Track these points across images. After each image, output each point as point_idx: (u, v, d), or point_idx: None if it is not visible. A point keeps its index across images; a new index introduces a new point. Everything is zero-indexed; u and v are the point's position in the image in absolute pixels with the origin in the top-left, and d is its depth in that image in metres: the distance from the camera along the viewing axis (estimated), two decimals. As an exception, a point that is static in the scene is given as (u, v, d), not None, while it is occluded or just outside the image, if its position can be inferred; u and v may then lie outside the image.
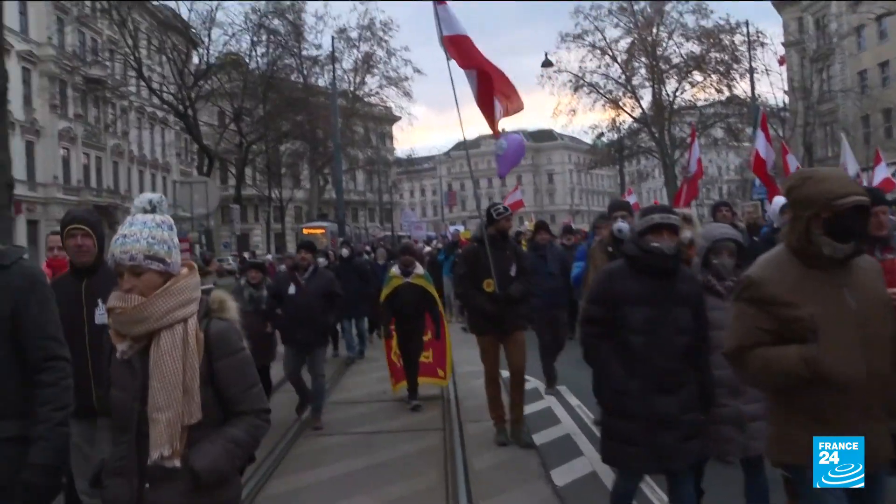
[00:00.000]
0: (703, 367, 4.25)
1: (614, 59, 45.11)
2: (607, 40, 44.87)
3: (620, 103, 45.82)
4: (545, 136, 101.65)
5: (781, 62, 42.86)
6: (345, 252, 13.75)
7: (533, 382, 9.34)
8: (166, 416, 2.59)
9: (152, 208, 2.79)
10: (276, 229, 48.95)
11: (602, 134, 47.84)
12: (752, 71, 36.83)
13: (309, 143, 45.18)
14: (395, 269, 9.50)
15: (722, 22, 42.44)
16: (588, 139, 51.53)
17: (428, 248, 21.66)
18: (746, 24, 38.49)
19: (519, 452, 7.11)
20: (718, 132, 47.40)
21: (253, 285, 9.15)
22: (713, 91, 43.89)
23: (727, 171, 72.70)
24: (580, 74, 44.86)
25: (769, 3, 50.55)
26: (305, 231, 41.24)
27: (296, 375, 8.67)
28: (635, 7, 44.23)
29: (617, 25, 44.80)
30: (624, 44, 45.03)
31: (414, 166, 73.43)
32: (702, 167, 16.55)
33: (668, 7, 43.62)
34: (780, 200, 8.73)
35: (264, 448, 7.42)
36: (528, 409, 7.97)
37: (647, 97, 45.92)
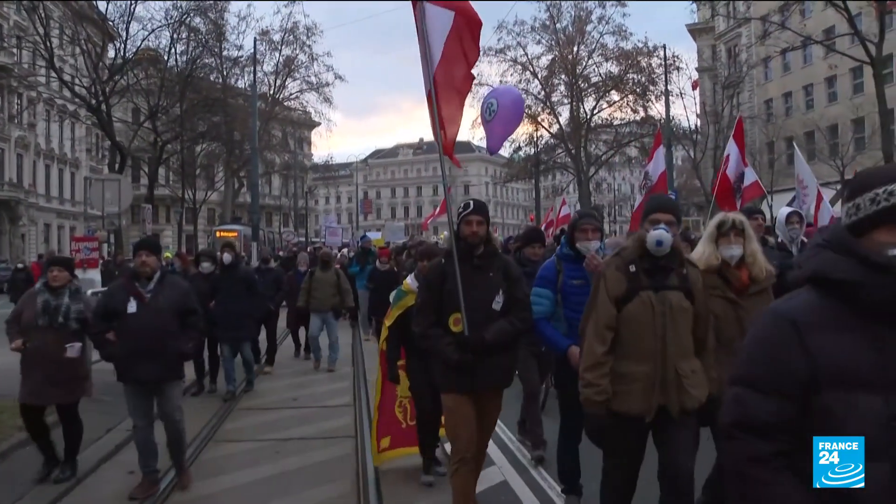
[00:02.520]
0: None
1: (535, 74, 45.88)
2: (529, 56, 45.70)
3: (539, 119, 46.53)
4: (462, 147, 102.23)
5: (695, 86, 44.51)
6: (227, 258, 10.85)
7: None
8: None
9: None
10: (189, 231, 47.86)
11: (519, 148, 48.45)
12: (667, 93, 38.00)
13: (225, 145, 44.46)
14: (409, 281, 6.45)
15: (640, 44, 43.77)
16: (505, 153, 52.11)
17: (335, 252, 21.17)
18: (664, 47, 39.80)
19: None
20: (633, 151, 48.59)
21: (52, 289, 6.55)
22: (629, 111, 45.12)
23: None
24: (500, 88, 45.23)
25: (685, 29, 52.40)
26: (219, 234, 40.49)
27: (144, 431, 6.36)
28: (557, 26, 45.10)
29: (539, 42, 45.71)
30: (545, 60, 45.95)
31: (331, 172, 72.81)
32: (666, 182, 14.49)
33: (589, 27, 44.64)
34: (786, 210, 7.83)
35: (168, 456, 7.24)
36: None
37: (565, 114, 46.90)
